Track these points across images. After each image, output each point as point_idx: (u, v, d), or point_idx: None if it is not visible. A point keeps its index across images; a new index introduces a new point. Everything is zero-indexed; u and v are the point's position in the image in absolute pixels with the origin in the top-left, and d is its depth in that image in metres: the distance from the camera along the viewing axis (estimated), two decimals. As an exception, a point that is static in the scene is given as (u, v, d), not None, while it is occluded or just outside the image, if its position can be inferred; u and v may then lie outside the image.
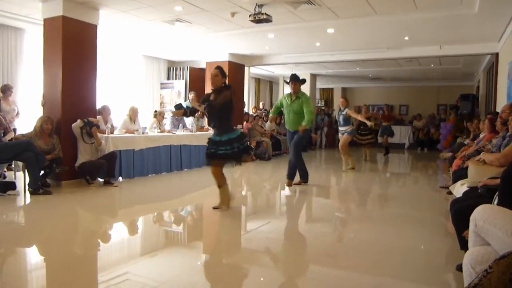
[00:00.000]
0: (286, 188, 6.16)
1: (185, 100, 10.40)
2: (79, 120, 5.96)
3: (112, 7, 6.24)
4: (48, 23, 6.07)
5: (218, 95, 4.42)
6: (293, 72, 6.54)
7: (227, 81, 4.55)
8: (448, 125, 12.55)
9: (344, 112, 8.11)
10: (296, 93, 6.03)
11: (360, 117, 8.46)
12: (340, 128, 8.38)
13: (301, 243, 3.87)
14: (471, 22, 6.60)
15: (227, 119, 4.51)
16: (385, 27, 7.21)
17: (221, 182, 4.63)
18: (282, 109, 6.32)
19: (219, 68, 4.49)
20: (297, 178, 6.35)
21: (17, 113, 7.03)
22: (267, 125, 11.74)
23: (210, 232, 4.33)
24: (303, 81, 6.17)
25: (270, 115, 6.93)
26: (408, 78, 15.00)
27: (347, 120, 8.19)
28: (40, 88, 6.36)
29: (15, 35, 7.52)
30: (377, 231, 4.13)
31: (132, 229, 4.33)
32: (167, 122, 8.68)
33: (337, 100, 17.58)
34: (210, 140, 4.57)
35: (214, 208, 4.68)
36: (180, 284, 2.70)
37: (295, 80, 6.05)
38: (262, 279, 2.83)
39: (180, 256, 3.38)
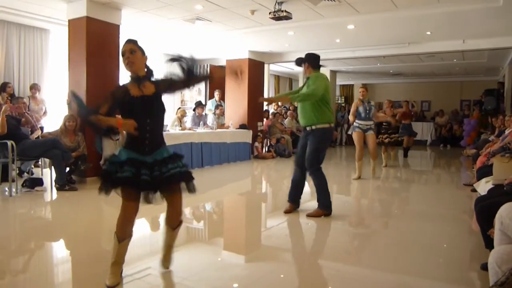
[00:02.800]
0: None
1: (210, 98, 10.54)
2: None
3: (133, 7, 6.34)
4: (73, 23, 6.22)
5: (143, 86, 2.61)
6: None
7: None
8: (471, 121, 12.28)
9: (372, 104, 6.98)
10: (307, 75, 4.51)
11: (382, 115, 7.60)
12: (363, 122, 6.83)
13: (321, 240, 3.88)
14: (496, 15, 6.43)
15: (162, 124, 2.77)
16: (406, 22, 7.09)
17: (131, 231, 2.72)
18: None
19: (132, 42, 2.73)
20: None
21: (45, 112, 7.23)
22: (287, 121, 11.76)
23: (231, 229, 4.36)
24: (310, 58, 4.46)
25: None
26: (430, 73, 14.72)
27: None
28: (65, 87, 6.53)
29: (40, 36, 7.73)
30: (400, 229, 4.10)
31: (154, 225, 4.41)
32: (188, 120, 8.78)
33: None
34: (131, 161, 2.55)
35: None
36: (200, 280, 2.74)
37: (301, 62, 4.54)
38: (282, 275, 2.85)
39: (201, 252, 3.43)
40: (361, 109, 6.88)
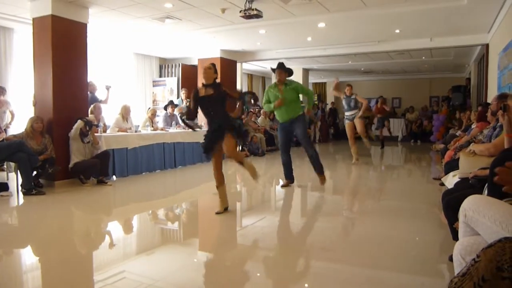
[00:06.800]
0: (281, 182, 6.16)
1: (178, 98, 10.39)
2: (79, 121, 5.93)
3: (101, 5, 6.19)
4: (37, 22, 6.01)
5: (215, 89, 4.27)
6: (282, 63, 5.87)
7: (218, 79, 4.45)
8: (440, 116, 12.63)
9: (353, 97, 8.17)
10: (283, 82, 5.63)
11: (365, 102, 8.32)
12: (349, 113, 8.28)
13: (296, 237, 3.89)
14: (461, 14, 6.63)
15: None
16: (375, 20, 7.22)
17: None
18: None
19: (213, 64, 4.42)
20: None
21: (12, 116, 6.99)
22: (260, 120, 11.76)
23: (205, 229, 4.33)
24: (290, 71, 5.74)
25: (266, 110, 6.39)
26: (400, 70, 15.06)
27: (356, 104, 8.21)
28: (31, 88, 6.31)
29: (4, 35, 7.45)
30: (372, 224, 4.16)
31: (127, 228, 4.32)
32: (160, 120, 8.66)
33: (330, 94, 17.77)
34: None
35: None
36: (176, 281, 2.70)
37: (281, 69, 5.64)
38: (258, 274, 2.85)
39: (175, 253, 3.39)
40: (347, 102, 8.28)
